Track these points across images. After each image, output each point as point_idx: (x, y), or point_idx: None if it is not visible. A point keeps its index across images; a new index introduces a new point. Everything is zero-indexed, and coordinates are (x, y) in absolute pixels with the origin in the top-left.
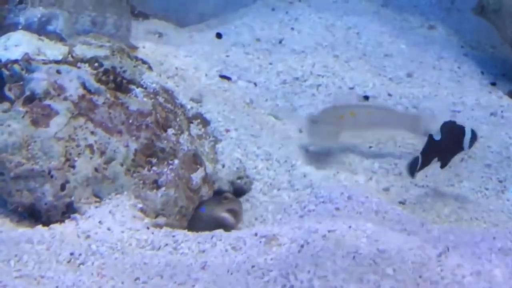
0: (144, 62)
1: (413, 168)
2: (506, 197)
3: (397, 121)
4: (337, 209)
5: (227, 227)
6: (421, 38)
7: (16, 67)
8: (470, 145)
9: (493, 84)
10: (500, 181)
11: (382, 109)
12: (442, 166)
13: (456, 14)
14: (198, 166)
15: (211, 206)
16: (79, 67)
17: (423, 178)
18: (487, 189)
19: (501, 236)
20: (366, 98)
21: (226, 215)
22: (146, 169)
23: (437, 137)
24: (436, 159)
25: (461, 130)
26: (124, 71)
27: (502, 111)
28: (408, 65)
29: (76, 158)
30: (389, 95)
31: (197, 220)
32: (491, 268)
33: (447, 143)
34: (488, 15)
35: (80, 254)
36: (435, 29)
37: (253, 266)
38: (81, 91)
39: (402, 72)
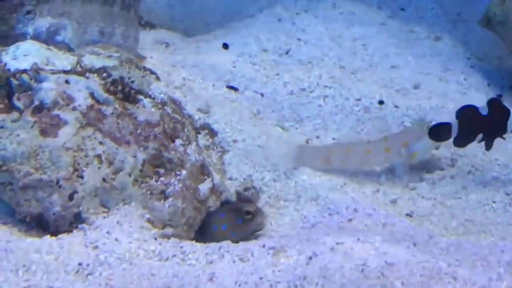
0: (152, 72)
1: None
2: None
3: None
4: (345, 221)
5: None
6: (427, 50)
7: (25, 76)
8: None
9: (500, 96)
10: (508, 194)
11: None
12: (488, 148)
13: (462, 25)
14: (206, 177)
15: (238, 230)
16: (87, 77)
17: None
18: (494, 202)
19: (509, 249)
20: (381, 103)
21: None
22: (153, 179)
23: (484, 111)
24: (480, 136)
25: (508, 110)
26: (132, 82)
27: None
28: (414, 76)
29: (84, 168)
30: (396, 106)
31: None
32: (499, 281)
33: (495, 121)
34: (495, 26)
35: (88, 265)
36: (441, 40)
37: (261, 278)
38: (89, 101)
39: (408, 84)
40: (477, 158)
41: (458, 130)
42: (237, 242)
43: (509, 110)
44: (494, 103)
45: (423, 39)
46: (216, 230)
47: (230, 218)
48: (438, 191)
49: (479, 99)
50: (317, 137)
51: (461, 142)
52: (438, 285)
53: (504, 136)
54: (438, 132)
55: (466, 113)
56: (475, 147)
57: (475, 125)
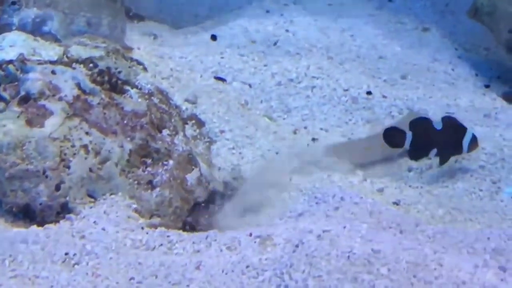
0: (139, 63)
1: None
2: (500, 198)
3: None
4: (332, 210)
5: None
6: (415, 40)
7: (11, 67)
8: (469, 149)
9: (487, 86)
10: (494, 183)
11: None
12: (441, 164)
13: (450, 16)
14: (193, 167)
15: None
16: (74, 68)
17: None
18: (481, 190)
19: (495, 236)
20: (369, 93)
21: None
22: (141, 169)
23: (438, 126)
24: (435, 151)
25: (463, 129)
26: (119, 72)
27: (496, 113)
28: (402, 67)
29: (71, 159)
30: (384, 97)
31: None
32: (485, 268)
33: (448, 137)
34: (482, 17)
35: (74, 254)
36: (429, 31)
37: (247, 266)
38: (76, 91)
39: (396, 74)
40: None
41: (411, 141)
42: None
43: (465, 128)
44: (448, 121)
45: (411, 30)
46: None
47: None
48: (425, 179)
49: (467, 89)
50: (305, 127)
51: (415, 154)
52: (424, 271)
53: (462, 156)
54: (392, 137)
55: (420, 124)
56: None
57: (428, 139)
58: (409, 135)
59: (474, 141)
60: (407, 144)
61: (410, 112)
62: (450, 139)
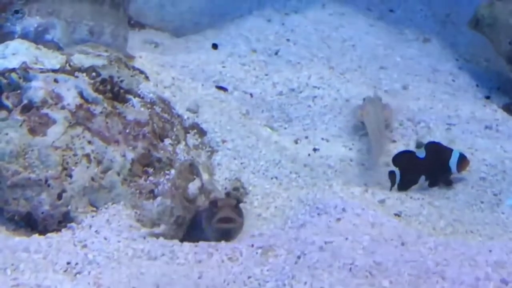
0: (141, 72)
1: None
2: (501, 210)
3: None
4: (333, 221)
5: None
6: (416, 51)
7: (14, 75)
8: (459, 169)
9: (488, 97)
10: (495, 194)
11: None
12: (431, 185)
13: (451, 27)
14: (195, 176)
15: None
16: (76, 76)
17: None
18: (482, 202)
19: (497, 249)
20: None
21: None
22: (142, 178)
23: (421, 155)
24: (423, 178)
25: (447, 151)
26: (122, 81)
27: (497, 125)
28: (403, 77)
29: (73, 167)
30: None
31: None
32: (487, 281)
33: (432, 163)
34: (483, 29)
35: (76, 263)
36: (430, 42)
37: (249, 277)
38: (78, 100)
39: (397, 85)
40: None
41: (400, 176)
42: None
43: (449, 150)
44: (431, 147)
45: (412, 40)
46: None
47: (206, 210)
48: (426, 191)
49: (467, 100)
50: (306, 137)
51: (403, 186)
52: (426, 284)
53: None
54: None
55: (404, 159)
56: (464, 148)
57: (414, 169)
58: (397, 172)
59: (462, 160)
60: (398, 180)
61: (367, 97)
62: (435, 164)
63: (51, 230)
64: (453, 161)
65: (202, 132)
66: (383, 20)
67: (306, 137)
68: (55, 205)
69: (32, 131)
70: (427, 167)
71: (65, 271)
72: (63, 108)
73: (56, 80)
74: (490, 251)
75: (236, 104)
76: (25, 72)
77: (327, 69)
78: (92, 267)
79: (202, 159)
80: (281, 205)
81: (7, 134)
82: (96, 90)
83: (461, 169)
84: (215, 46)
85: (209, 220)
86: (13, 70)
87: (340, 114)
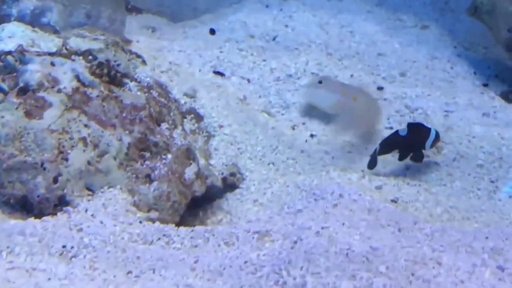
0: (138, 56)
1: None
2: (498, 197)
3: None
4: (330, 206)
5: None
6: (414, 38)
7: (10, 58)
8: (432, 145)
9: (485, 85)
10: (492, 182)
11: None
12: (400, 159)
13: (449, 14)
14: (191, 161)
15: None
16: (73, 60)
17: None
18: (479, 189)
19: (493, 236)
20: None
21: None
22: (139, 163)
23: (403, 133)
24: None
25: (427, 131)
26: (118, 65)
27: (494, 112)
28: (401, 64)
29: (69, 151)
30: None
31: None
32: (483, 267)
33: (411, 141)
34: (482, 16)
35: (72, 247)
36: (428, 29)
37: (245, 262)
38: (75, 83)
39: (395, 71)
40: (462, 146)
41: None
42: None
43: (429, 130)
44: (413, 126)
45: (410, 27)
46: None
47: None
48: (423, 178)
49: (465, 88)
50: (303, 123)
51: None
52: (423, 270)
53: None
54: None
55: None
56: (461, 135)
57: (393, 144)
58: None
59: (436, 138)
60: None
61: (315, 76)
62: (414, 142)
63: (47, 213)
64: (429, 140)
65: (199, 117)
66: (381, 7)
67: (304, 123)
68: (50, 188)
69: (28, 114)
70: (406, 144)
71: (60, 254)
72: (59, 91)
73: (52, 63)
74: (487, 237)
75: (234, 89)
76: (22, 55)
77: (325, 56)
78: (88, 250)
79: (198, 144)
80: (278, 191)
81: (3, 117)
82: (93, 73)
83: (432, 146)
84: (212, 31)
85: None
86: (10, 52)
87: None
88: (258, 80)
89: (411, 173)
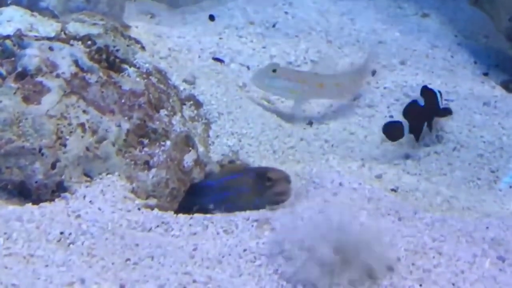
0: (137, 41)
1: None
2: (498, 187)
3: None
4: (330, 195)
5: None
6: (415, 26)
7: (8, 42)
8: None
9: (486, 74)
10: (493, 171)
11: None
12: (431, 130)
13: (450, 3)
14: (190, 148)
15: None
16: (72, 45)
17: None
18: (479, 179)
19: (494, 226)
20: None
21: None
22: (137, 149)
23: (421, 102)
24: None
25: (434, 93)
26: (117, 50)
27: (495, 101)
28: (401, 52)
29: (67, 137)
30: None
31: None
32: (484, 257)
33: (431, 108)
34: (483, 5)
35: (70, 234)
36: (429, 17)
37: (244, 250)
38: (73, 68)
39: (395, 60)
40: (462, 135)
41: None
42: (258, 209)
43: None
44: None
45: (411, 15)
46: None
47: (253, 182)
48: (423, 167)
49: (465, 77)
50: (303, 111)
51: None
52: (423, 259)
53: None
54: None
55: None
56: (462, 125)
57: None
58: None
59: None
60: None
61: (270, 63)
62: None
63: (45, 199)
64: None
65: (198, 104)
66: None
67: (303, 111)
68: (48, 174)
69: (26, 99)
70: (429, 114)
71: (58, 241)
72: (58, 76)
73: (51, 48)
74: (487, 228)
75: (233, 76)
76: (20, 39)
77: (325, 43)
78: (86, 237)
79: (198, 131)
80: None
81: (0, 101)
82: (92, 59)
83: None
84: (212, 17)
85: (260, 192)
86: (8, 37)
87: None
88: (258, 67)
89: (411, 162)
